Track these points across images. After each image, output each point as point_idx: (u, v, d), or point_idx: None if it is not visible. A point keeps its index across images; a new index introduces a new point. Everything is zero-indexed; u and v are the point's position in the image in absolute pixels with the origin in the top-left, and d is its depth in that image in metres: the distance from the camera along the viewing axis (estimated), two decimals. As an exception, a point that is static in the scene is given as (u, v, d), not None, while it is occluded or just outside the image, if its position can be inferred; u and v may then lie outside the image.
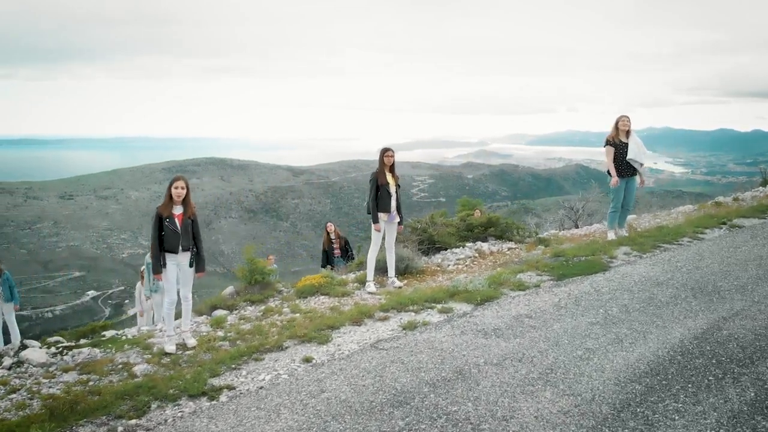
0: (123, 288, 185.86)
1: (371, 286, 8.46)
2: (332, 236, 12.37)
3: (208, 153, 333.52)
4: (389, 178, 8.30)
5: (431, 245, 11.02)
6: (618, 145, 10.28)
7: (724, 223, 11.79)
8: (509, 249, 11.30)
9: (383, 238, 8.73)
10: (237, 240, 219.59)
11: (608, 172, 10.53)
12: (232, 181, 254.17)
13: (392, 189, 8.27)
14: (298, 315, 7.85)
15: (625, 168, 10.33)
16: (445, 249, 10.96)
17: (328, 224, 12.71)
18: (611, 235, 10.67)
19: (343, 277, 9.69)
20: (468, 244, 11.11)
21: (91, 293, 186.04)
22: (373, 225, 8.30)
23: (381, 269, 9.17)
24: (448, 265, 10.23)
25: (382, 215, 8.23)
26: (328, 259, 12.16)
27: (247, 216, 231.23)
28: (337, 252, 12.27)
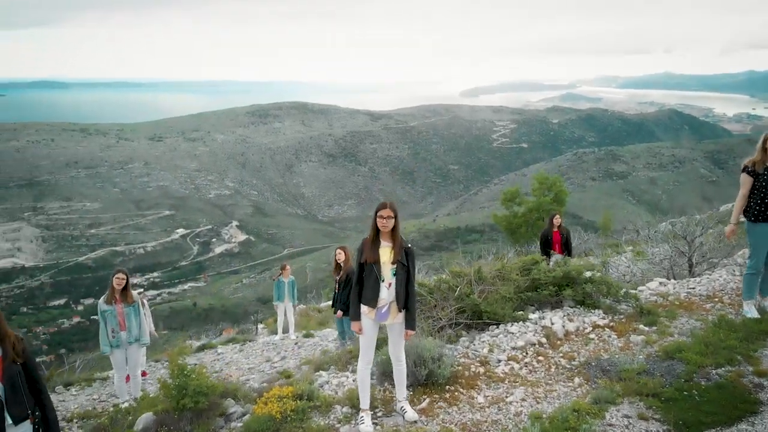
0: (210, 227, 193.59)
1: (366, 421, 5.01)
2: (342, 264, 9.35)
3: (290, 97, 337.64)
4: (386, 252, 4.92)
5: (475, 318, 7.03)
6: (761, 176, 6.55)
7: None
8: (594, 327, 7.05)
9: (381, 344, 5.72)
10: (317, 184, 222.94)
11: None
12: (312, 125, 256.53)
13: (386, 270, 4.92)
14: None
15: None
16: (497, 323, 7.05)
17: (338, 250, 9.53)
18: (750, 310, 6.89)
19: (330, 392, 5.82)
20: (532, 316, 7.18)
21: (180, 231, 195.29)
22: (352, 323, 5.15)
23: (386, 373, 5.76)
24: (498, 363, 6.22)
25: (365, 309, 4.99)
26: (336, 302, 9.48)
27: (326, 160, 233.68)
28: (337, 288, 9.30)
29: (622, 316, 7.25)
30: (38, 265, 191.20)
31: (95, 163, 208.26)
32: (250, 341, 13.12)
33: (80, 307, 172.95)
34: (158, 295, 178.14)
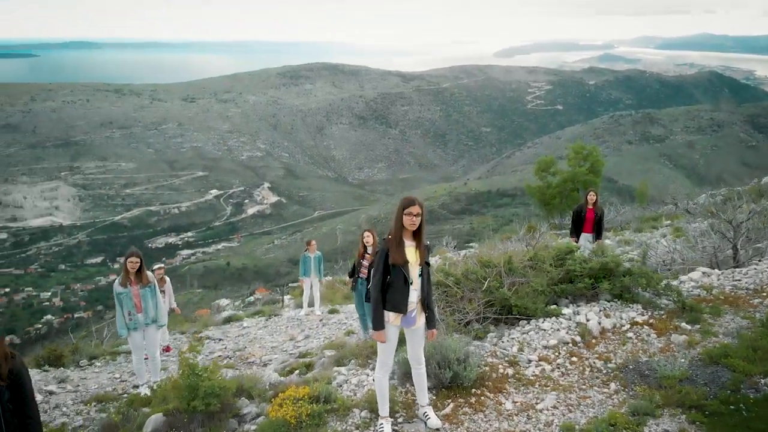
0: (243, 188, 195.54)
1: (386, 429, 4.69)
2: (369, 249, 8.85)
3: (320, 58, 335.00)
4: (411, 252, 4.53)
5: (505, 313, 6.51)
6: None
7: None
8: (632, 324, 6.45)
9: (401, 350, 5.20)
10: (348, 146, 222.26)
11: None
12: (343, 87, 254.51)
13: (414, 272, 4.52)
14: None
15: None
16: (528, 318, 6.49)
17: (366, 233, 9.16)
18: None
19: (349, 392, 5.45)
20: (566, 311, 6.55)
21: (214, 192, 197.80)
22: (373, 333, 4.69)
23: (407, 374, 5.27)
24: (528, 364, 5.75)
25: (391, 316, 4.56)
26: (354, 273, 9.11)
27: (357, 122, 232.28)
28: (363, 272, 8.76)
29: (662, 312, 6.68)
30: (75, 224, 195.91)
31: (129, 123, 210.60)
32: (275, 315, 12.99)
33: (116, 265, 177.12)
34: (192, 254, 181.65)
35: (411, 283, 4.50)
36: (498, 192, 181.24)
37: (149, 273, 7.55)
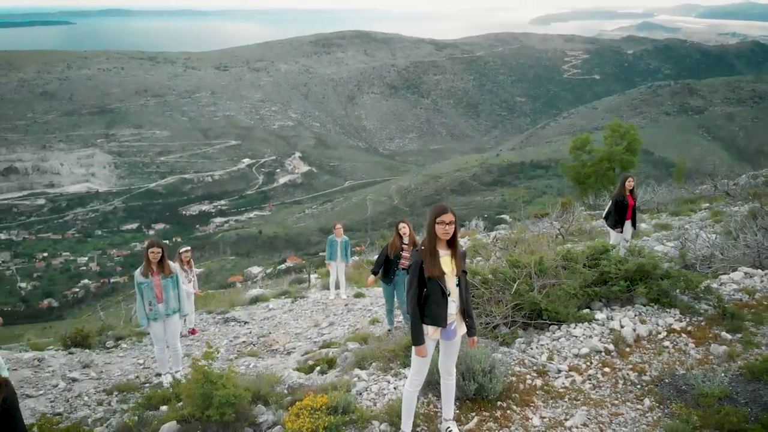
0: (274, 158, 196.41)
1: None
2: (405, 240, 8.45)
3: (352, 25, 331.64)
4: (447, 262, 4.26)
5: (534, 317, 6.15)
6: None
7: None
8: (669, 331, 6.01)
9: (435, 363, 4.79)
10: (379, 116, 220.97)
11: None
12: (375, 55, 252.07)
13: (451, 283, 4.27)
14: None
15: None
16: (559, 323, 6.12)
17: (402, 224, 8.66)
18: None
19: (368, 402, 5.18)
20: (599, 316, 6.15)
21: (246, 161, 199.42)
22: (414, 348, 4.38)
23: (430, 383, 5.01)
24: (558, 374, 5.42)
25: (430, 330, 4.29)
26: (387, 269, 8.61)
27: (388, 92, 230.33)
28: (404, 263, 8.36)
29: (701, 318, 6.23)
30: (111, 191, 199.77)
31: (163, 91, 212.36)
32: (301, 298, 12.91)
33: (151, 232, 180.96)
34: (225, 222, 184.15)
35: (449, 295, 4.26)
36: (531, 163, 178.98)
37: (171, 263, 7.43)
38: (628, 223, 10.50)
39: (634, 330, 5.93)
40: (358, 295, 12.37)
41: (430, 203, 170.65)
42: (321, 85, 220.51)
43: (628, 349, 5.76)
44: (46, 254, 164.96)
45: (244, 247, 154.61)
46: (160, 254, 7.21)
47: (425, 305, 4.27)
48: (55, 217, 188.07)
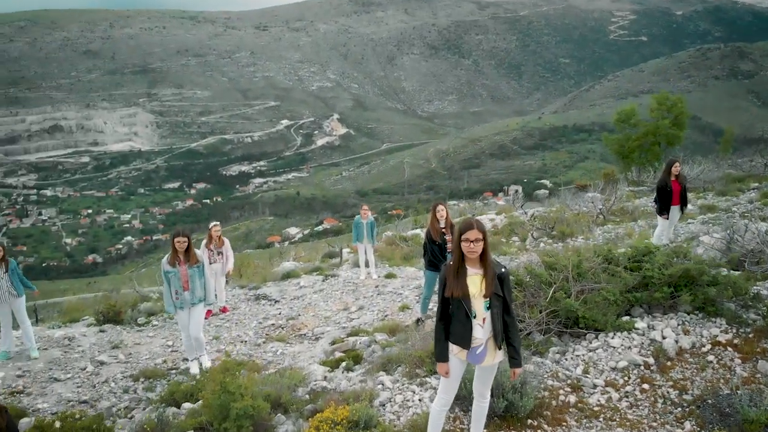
0: (312, 119, 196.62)
1: None
2: (442, 223, 8.00)
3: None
4: (476, 282, 3.92)
5: (570, 324, 5.76)
6: None
7: None
8: (713, 344, 5.56)
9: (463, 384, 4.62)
10: (418, 77, 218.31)
11: None
12: (415, 14, 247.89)
13: (478, 305, 3.91)
14: None
15: None
16: (597, 331, 5.73)
17: (439, 206, 8.21)
18: None
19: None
20: (639, 324, 5.72)
21: (285, 122, 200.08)
22: (437, 366, 4.16)
23: (458, 397, 4.69)
24: (593, 390, 5.06)
25: (455, 349, 4.01)
26: (441, 253, 8.01)
27: (428, 52, 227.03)
28: (450, 247, 7.79)
29: (749, 330, 5.67)
30: (153, 150, 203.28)
31: (204, 51, 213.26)
32: (332, 276, 12.79)
33: (193, 191, 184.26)
34: (264, 183, 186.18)
35: (475, 317, 3.92)
36: (574, 127, 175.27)
37: (197, 252, 7.37)
38: (675, 209, 10.14)
39: (677, 342, 5.50)
40: (390, 276, 12.18)
41: (468, 167, 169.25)
42: (360, 45, 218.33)
43: (669, 363, 5.37)
44: (90, 211, 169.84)
45: (282, 208, 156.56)
46: (187, 243, 7.18)
47: (451, 322, 4.01)
48: (99, 175, 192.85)
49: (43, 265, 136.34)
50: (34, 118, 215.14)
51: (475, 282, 3.92)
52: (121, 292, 15.69)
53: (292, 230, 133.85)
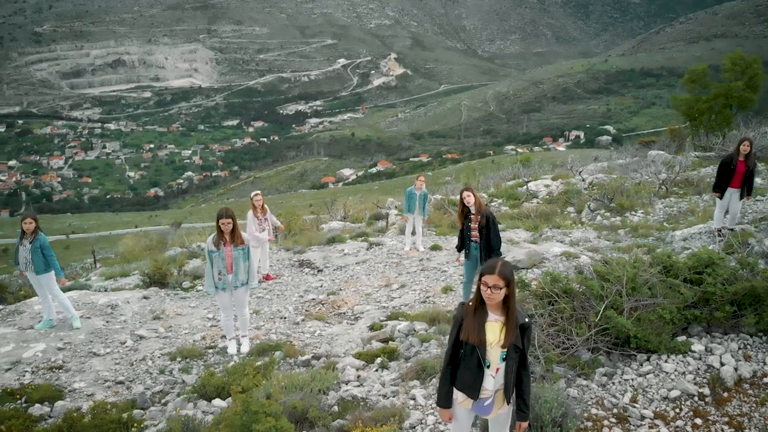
0: (369, 58, 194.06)
1: None
2: (472, 210, 7.56)
3: None
4: (495, 329, 3.49)
5: (621, 342, 5.30)
6: None
7: None
8: None
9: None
10: (480, 15, 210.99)
11: None
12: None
13: (494, 355, 3.50)
14: None
15: None
16: (648, 352, 5.24)
17: (465, 192, 7.66)
18: None
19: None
20: (696, 347, 5.20)
21: (342, 61, 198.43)
22: (439, 411, 3.83)
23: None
24: (641, 423, 4.58)
25: (460, 396, 3.64)
26: (467, 237, 7.75)
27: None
28: (474, 235, 7.52)
29: None
30: (213, 87, 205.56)
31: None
32: (377, 245, 12.55)
33: (251, 129, 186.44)
34: (320, 123, 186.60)
35: (488, 366, 3.53)
36: (642, 71, 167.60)
37: (243, 234, 7.23)
38: (732, 190, 9.29)
39: (736, 369, 5.04)
40: (435, 248, 11.84)
41: (528, 111, 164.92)
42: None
43: (726, 395, 4.89)
44: (152, 145, 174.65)
45: (337, 149, 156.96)
46: (232, 225, 7.04)
47: (459, 367, 3.62)
48: (161, 110, 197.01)
49: (107, 197, 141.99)
50: (98, 52, 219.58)
51: (494, 329, 3.50)
52: (181, 225, 15.86)
53: (346, 171, 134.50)
